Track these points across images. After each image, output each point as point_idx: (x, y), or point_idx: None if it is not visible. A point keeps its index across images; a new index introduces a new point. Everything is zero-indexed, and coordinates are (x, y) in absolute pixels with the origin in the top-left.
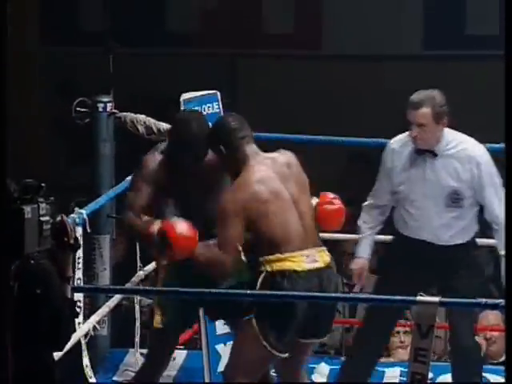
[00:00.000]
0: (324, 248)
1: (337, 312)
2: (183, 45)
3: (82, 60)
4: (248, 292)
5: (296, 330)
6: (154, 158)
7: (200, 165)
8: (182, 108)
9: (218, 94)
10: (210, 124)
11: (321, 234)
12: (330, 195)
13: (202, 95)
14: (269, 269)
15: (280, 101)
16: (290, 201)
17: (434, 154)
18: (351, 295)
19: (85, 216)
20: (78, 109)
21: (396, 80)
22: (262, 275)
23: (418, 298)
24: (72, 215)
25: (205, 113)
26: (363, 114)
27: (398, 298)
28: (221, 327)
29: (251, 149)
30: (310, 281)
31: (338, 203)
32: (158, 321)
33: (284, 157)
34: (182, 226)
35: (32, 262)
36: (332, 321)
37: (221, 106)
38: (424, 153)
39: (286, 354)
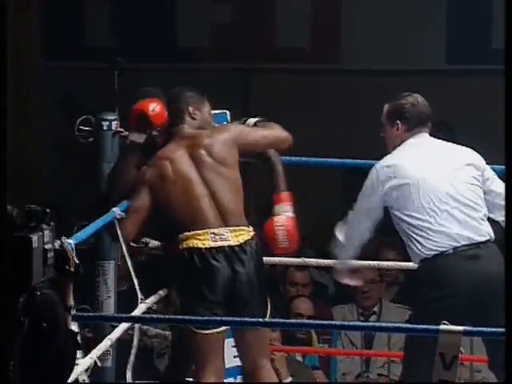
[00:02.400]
0: (244, 228)
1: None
2: (194, 60)
3: (87, 76)
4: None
5: (213, 301)
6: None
7: None
8: None
9: (228, 113)
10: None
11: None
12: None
13: (213, 114)
14: (180, 247)
15: (295, 118)
16: (198, 182)
17: None
18: (371, 324)
19: (72, 246)
20: (81, 127)
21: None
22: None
23: (441, 326)
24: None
25: None
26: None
27: (420, 326)
28: None
29: (185, 128)
30: (216, 258)
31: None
32: None
33: (207, 138)
34: (149, 101)
35: (38, 293)
36: (257, 298)
37: None
38: None
39: (213, 330)
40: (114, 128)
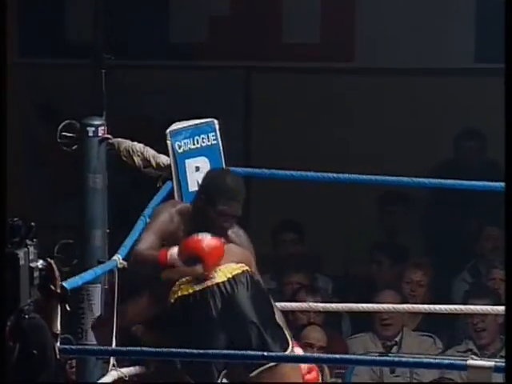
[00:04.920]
0: (232, 265)
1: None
2: (188, 57)
3: (69, 75)
4: None
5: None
6: (169, 211)
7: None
8: (168, 142)
9: (215, 122)
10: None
11: None
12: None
13: (196, 124)
14: (168, 304)
15: (300, 121)
16: None
17: None
18: (389, 359)
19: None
20: (63, 133)
21: (440, 95)
22: None
23: (469, 361)
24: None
25: (198, 145)
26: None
27: (445, 362)
28: None
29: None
30: (203, 301)
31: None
32: None
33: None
34: (207, 239)
35: (26, 317)
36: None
37: (219, 137)
38: None
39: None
40: (100, 134)
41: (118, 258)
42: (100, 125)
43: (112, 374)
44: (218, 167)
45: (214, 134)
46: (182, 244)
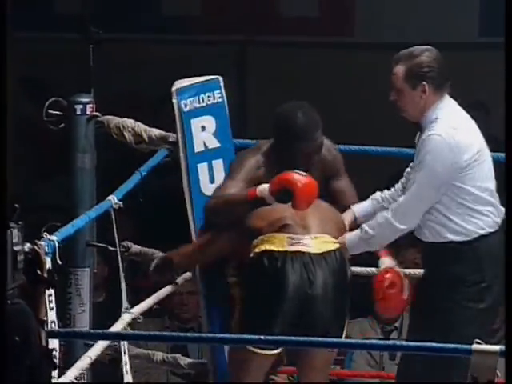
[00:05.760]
0: (328, 238)
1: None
2: (181, 31)
3: (57, 50)
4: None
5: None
6: (255, 158)
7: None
8: (173, 100)
9: (221, 79)
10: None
11: None
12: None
13: (201, 82)
14: (251, 254)
15: (297, 97)
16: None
17: (420, 131)
18: (391, 343)
19: (56, 244)
20: (50, 111)
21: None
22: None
23: (474, 346)
24: (40, 242)
25: (204, 104)
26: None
27: (449, 346)
28: None
29: None
30: (290, 265)
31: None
32: None
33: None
34: (299, 175)
35: (8, 302)
36: (331, 321)
37: (224, 95)
38: (418, 128)
39: (274, 351)
40: (88, 112)
41: (113, 199)
42: (88, 102)
43: (125, 317)
44: (289, 104)
45: (219, 91)
46: (273, 179)
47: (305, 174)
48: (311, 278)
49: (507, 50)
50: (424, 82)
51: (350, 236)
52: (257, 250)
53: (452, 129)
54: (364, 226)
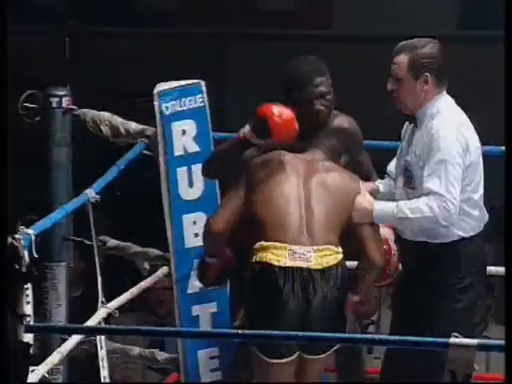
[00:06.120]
0: (332, 248)
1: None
2: (160, 24)
3: (32, 43)
4: None
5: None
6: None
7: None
8: (155, 103)
9: (203, 83)
10: None
11: None
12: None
13: (182, 86)
14: (253, 258)
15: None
16: (301, 193)
17: (416, 124)
18: (370, 336)
19: (32, 237)
20: (25, 104)
21: None
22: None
23: (452, 339)
24: (17, 236)
25: (185, 108)
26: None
27: (427, 339)
28: None
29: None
30: (289, 281)
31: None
32: None
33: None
34: (275, 106)
35: None
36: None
37: (206, 99)
38: (412, 120)
39: (287, 359)
40: (64, 105)
41: (90, 192)
42: (64, 95)
43: (101, 312)
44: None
45: (201, 96)
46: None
47: (284, 107)
48: (310, 297)
49: (507, 49)
50: (427, 73)
51: (380, 207)
52: (257, 258)
53: (461, 125)
54: (402, 205)
